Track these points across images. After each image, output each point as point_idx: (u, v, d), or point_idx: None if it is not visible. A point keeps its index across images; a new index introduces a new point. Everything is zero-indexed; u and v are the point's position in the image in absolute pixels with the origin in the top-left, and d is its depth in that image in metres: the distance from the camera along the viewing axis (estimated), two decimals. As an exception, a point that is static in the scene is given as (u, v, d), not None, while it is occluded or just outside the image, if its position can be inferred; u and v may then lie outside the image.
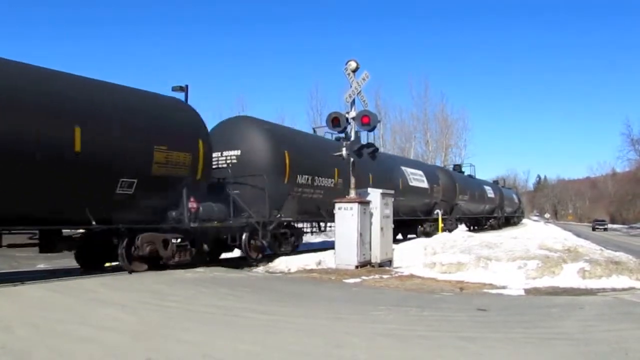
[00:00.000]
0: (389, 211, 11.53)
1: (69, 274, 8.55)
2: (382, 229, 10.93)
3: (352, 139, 11.26)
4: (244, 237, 10.88)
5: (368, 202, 10.85)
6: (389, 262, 11.16)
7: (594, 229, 53.27)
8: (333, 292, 7.58)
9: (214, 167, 11.02)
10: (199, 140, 9.64)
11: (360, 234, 10.32)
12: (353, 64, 11.10)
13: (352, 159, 11.16)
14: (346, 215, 10.43)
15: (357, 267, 10.15)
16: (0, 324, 4.70)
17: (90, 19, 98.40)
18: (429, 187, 21.00)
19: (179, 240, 9.30)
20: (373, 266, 10.62)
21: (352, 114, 11.09)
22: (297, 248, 13.07)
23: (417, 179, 20.19)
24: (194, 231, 9.54)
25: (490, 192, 32.41)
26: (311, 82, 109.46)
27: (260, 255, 11.42)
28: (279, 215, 11.85)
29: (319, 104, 46.85)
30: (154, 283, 7.66)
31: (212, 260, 10.94)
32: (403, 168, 19.47)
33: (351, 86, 11.20)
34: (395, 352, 4.10)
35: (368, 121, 10.95)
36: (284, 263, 10.66)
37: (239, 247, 11.22)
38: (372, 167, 14.73)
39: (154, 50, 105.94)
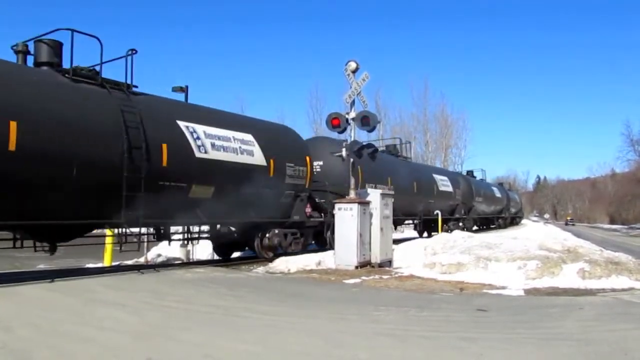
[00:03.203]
0: (389, 211, 11.53)
1: (70, 274, 8.55)
2: (382, 229, 10.93)
3: (352, 139, 11.29)
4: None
5: (368, 203, 10.85)
6: (389, 262, 11.16)
7: (566, 224, 74.63)
8: (333, 292, 7.58)
9: None
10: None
11: (360, 235, 10.32)
12: (353, 65, 11.12)
13: (352, 160, 11.17)
14: (346, 215, 10.43)
15: (357, 267, 10.15)
16: (1, 324, 4.70)
17: (90, 19, 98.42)
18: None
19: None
20: (373, 266, 10.61)
21: (352, 114, 11.11)
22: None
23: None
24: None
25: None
26: (311, 82, 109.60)
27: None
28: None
29: (319, 104, 47.00)
30: (154, 283, 7.67)
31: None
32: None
33: (351, 87, 11.22)
34: (395, 352, 4.10)
35: (368, 122, 10.97)
36: (284, 263, 10.66)
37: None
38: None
39: (154, 50, 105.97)
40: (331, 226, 12.15)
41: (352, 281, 8.73)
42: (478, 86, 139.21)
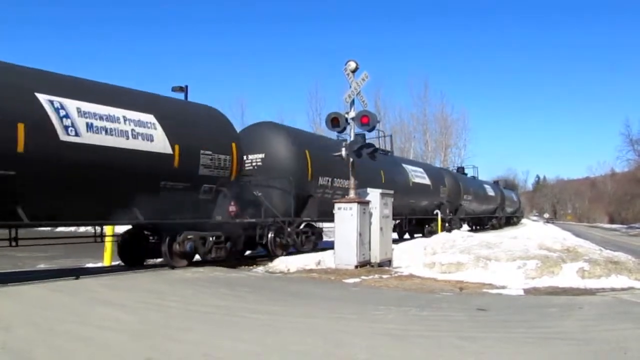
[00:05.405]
0: (388, 211, 11.54)
1: (70, 274, 8.56)
2: (381, 228, 10.93)
3: (352, 139, 11.28)
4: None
5: (367, 202, 10.86)
6: (389, 262, 11.17)
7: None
8: (333, 292, 7.59)
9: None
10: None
11: (360, 234, 10.32)
12: (352, 65, 11.10)
13: (351, 159, 11.17)
14: (345, 215, 10.44)
15: (356, 267, 10.15)
16: (1, 323, 4.70)
17: (90, 19, 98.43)
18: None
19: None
20: (372, 266, 10.63)
21: (352, 114, 11.10)
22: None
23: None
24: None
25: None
26: (311, 82, 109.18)
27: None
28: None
29: (319, 104, 47.06)
30: (154, 283, 7.67)
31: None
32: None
33: (350, 86, 11.21)
34: (395, 352, 4.10)
35: (367, 121, 10.96)
36: (284, 263, 10.66)
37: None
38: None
39: (154, 50, 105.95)
40: (270, 229, 11.54)
41: (351, 281, 8.73)
42: (478, 86, 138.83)
